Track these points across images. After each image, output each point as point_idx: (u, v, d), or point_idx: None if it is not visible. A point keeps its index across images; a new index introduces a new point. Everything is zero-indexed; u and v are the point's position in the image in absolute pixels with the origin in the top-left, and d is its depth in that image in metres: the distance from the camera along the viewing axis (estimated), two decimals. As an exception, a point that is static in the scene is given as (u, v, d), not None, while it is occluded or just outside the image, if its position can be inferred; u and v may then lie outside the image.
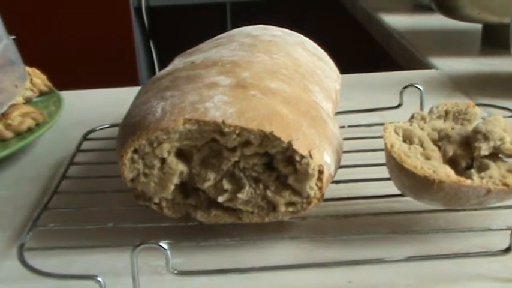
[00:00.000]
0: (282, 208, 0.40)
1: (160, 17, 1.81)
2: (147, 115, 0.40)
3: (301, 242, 0.42)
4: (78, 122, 0.65)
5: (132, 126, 0.40)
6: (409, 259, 0.38)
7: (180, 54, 0.57)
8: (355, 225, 0.44)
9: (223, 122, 0.38)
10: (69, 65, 1.56)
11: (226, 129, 0.38)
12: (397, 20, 1.11)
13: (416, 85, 0.61)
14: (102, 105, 0.71)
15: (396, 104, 0.62)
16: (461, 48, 0.92)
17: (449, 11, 0.90)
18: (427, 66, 0.85)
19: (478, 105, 0.64)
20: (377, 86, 0.73)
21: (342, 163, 0.49)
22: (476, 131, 0.41)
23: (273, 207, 0.41)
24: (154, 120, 0.39)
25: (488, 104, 0.64)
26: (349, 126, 0.59)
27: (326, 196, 0.44)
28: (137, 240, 0.37)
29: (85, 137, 0.58)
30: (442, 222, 0.44)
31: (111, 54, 1.59)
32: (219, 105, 0.39)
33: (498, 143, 0.40)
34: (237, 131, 0.38)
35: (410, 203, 0.43)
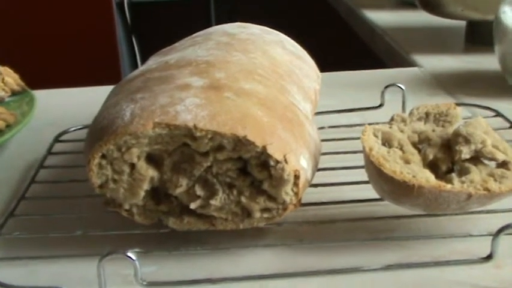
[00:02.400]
0: (257, 214, 0.39)
1: (142, 12, 1.78)
2: (116, 119, 0.38)
3: (277, 250, 0.41)
4: (52, 123, 0.63)
5: (99, 130, 0.39)
6: (388, 268, 0.37)
7: (156, 53, 0.56)
8: (333, 231, 0.42)
9: (194, 126, 0.37)
10: (46, 62, 1.52)
11: (198, 134, 0.37)
12: (381, 16, 1.10)
13: (398, 85, 0.59)
14: (78, 105, 0.69)
15: (378, 103, 0.61)
16: (445, 45, 0.91)
17: (433, 8, 0.89)
18: (410, 63, 0.84)
19: (461, 104, 0.64)
20: (359, 84, 0.72)
21: (321, 165, 0.48)
22: (457, 134, 0.40)
23: (247, 213, 0.39)
24: (123, 124, 0.37)
25: (471, 103, 0.63)
26: (330, 127, 0.58)
27: (304, 200, 0.43)
28: (107, 249, 0.36)
29: (57, 139, 0.57)
30: (423, 227, 0.43)
31: (92, 51, 1.56)
32: (191, 108, 0.38)
33: (479, 146, 0.39)
34: (209, 135, 0.37)
35: (390, 206, 0.42)
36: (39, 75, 1.02)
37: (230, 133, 0.37)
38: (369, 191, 0.43)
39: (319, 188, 0.46)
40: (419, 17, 1.04)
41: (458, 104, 0.63)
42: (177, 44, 0.55)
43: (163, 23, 1.77)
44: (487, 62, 0.79)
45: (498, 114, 0.57)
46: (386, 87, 0.60)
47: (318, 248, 0.41)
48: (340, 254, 0.40)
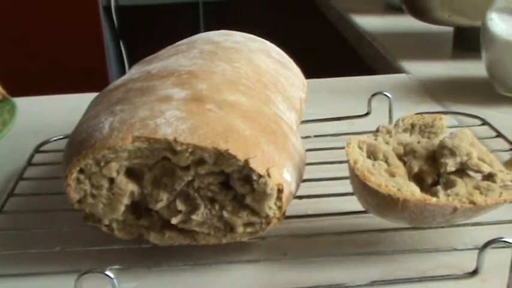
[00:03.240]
0: (240, 229, 0.38)
1: (130, 16, 1.77)
2: (94, 132, 0.37)
3: (261, 265, 0.40)
4: (34, 132, 0.62)
5: (78, 144, 0.38)
6: (373, 283, 0.36)
7: (139, 61, 0.55)
8: (318, 244, 0.41)
9: (174, 140, 0.36)
10: (30, 68, 1.49)
11: (178, 148, 0.36)
12: (369, 22, 1.09)
13: (385, 93, 0.59)
14: (61, 113, 0.68)
15: (365, 111, 0.61)
16: (433, 51, 0.90)
17: (420, 14, 0.88)
18: (397, 69, 0.83)
19: (448, 113, 0.63)
20: (346, 91, 0.71)
21: (307, 176, 0.47)
22: (442, 146, 0.39)
23: (230, 228, 0.38)
24: (101, 137, 0.37)
25: (458, 112, 0.62)
26: (316, 136, 0.57)
27: (288, 213, 0.42)
28: (86, 265, 0.35)
29: (37, 149, 0.55)
30: (408, 240, 0.42)
31: (78, 56, 1.54)
32: (171, 121, 0.37)
33: (465, 158, 0.39)
34: (189, 149, 0.36)
35: (375, 219, 0.41)
36: (22, 81, 1.00)
37: (211, 147, 0.36)
38: (355, 203, 0.42)
39: (304, 200, 0.45)
40: (407, 23, 1.04)
41: (445, 113, 0.63)
42: (160, 52, 0.54)
43: (152, 28, 1.75)
44: (475, 68, 0.79)
45: (485, 122, 0.57)
46: (373, 95, 0.59)
47: (302, 263, 0.40)
48: (325, 269, 0.39)
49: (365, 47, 1.04)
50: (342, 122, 0.61)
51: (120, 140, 0.36)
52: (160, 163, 0.37)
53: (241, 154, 0.36)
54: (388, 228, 0.41)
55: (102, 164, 0.37)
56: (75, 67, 1.54)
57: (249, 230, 0.38)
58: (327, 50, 1.42)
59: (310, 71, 0.74)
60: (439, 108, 0.66)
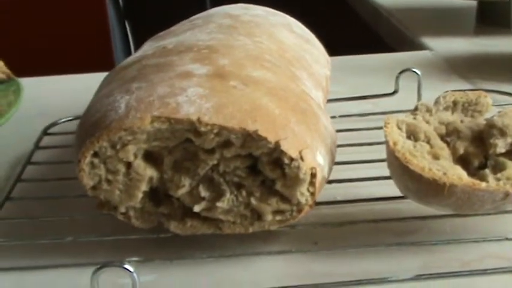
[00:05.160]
0: (269, 217, 0.35)
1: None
2: (109, 112, 0.34)
3: (291, 256, 0.37)
4: (41, 114, 0.58)
5: (91, 125, 0.34)
6: (418, 277, 0.33)
7: (152, 37, 0.51)
8: (351, 233, 0.38)
9: (198, 120, 0.32)
10: (35, 49, 1.45)
11: (203, 128, 0.32)
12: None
13: (414, 69, 0.55)
14: (68, 94, 0.64)
15: (391, 90, 0.57)
16: (455, 27, 0.86)
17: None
18: (418, 47, 0.79)
19: (480, 90, 0.60)
20: (368, 69, 0.68)
21: (336, 159, 0.44)
22: (491, 126, 0.36)
23: (258, 216, 0.35)
24: (117, 118, 0.33)
25: (490, 89, 0.58)
26: (340, 116, 0.53)
27: (318, 199, 0.39)
28: (101, 257, 0.32)
29: (45, 132, 0.52)
30: (449, 228, 0.39)
31: (82, 37, 1.50)
32: (194, 99, 0.33)
33: (516, 139, 0.35)
34: (215, 130, 0.33)
35: (412, 204, 0.38)
36: (27, 62, 0.97)
37: (239, 127, 0.32)
38: (388, 187, 0.39)
39: (333, 185, 0.42)
40: (425, -3, 1.00)
41: (476, 90, 0.60)
42: (174, 28, 0.51)
43: (157, 7, 1.71)
44: (501, 44, 0.75)
45: (521, 100, 0.53)
46: (401, 72, 0.56)
47: (335, 254, 0.37)
48: (361, 260, 0.36)
49: (382, 24, 1.00)
50: (366, 101, 0.57)
51: (139, 121, 0.32)
52: (181, 146, 0.34)
53: (271, 135, 0.33)
54: (428, 215, 0.38)
55: (118, 146, 0.33)
56: (80, 48, 1.50)
57: (278, 218, 0.35)
58: (341, 30, 1.38)
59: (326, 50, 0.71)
60: (468, 86, 0.63)
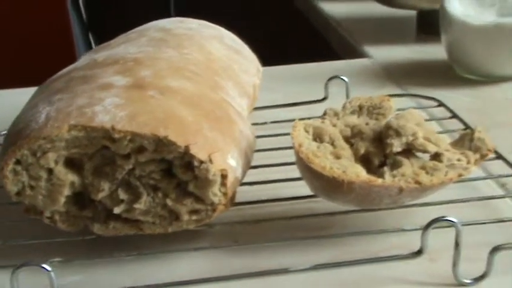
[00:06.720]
0: (185, 217, 0.38)
1: (99, 7, 1.74)
2: (31, 122, 0.36)
3: (210, 253, 0.39)
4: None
5: (14, 134, 0.37)
6: (316, 267, 0.36)
7: (91, 49, 0.54)
8: (268, 230, 0.41)
9: (112, 127, 0.35)
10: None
11: (116, 135, 0.35)
12: (334, 8, 1.09)
13: (342, 77, 0.58)
14: (5, 108, 0.66)
15: (322, 96, 0.60)
16: (398, 36, 0.90)
17: (383, -3, 0.88)
18: (360, 55, 0.83)
19: (406, 95, 0.63)
20: (305, 77, 0.71)
21: (261, 162, 0.47)
22: (388, 127, 0.39)
23: (175, 216, 0.38)
24: (37, 127, 0.36)
25: (415, 94, 0.62)
26: (272, 122, 0.56)
27: (240, 199, 0.42)
28: (27, 259, 0.34)
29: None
30: (361, 223, 0.42)
31: (46, 49, 1.51)
32: (109, 109, 0.36)
33: (410, 138, 0.38)
34: (128, 137, 0.35)
35: (329, 203, 0.41)
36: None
37: (150, 134, 0.35)
38: (307, 188, 0.42)
39: (257, 186, 0.45)
40: (373, 9, 1.03)
41: (402, 95, 0.63)
42: (112, 41, 0.53)
43: (121, 19, 1.72)
44: (436, 51, 0.78)
45: (441, 104, 0.57)
46: (330, 79, 0.59)
47: (252, 249, 0.39)
48: (275, 254, 0.39)
49: (330, 32, 1.04)
50: (300, 108, 0.60)
51: (56, 129, 0.35)
52: (100, 152, 0.36)
53: (181, 140, 0.35)
54: (338, 211, 0.41)
55: (38, 154, 0.36)
56: (44, 60, 1.50)
57: (194, 217, 0.38)
58: (296, 37, 1.42)
59: (278, 58, 0.74)
60: (398, 92, 0.66)
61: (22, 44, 1.49)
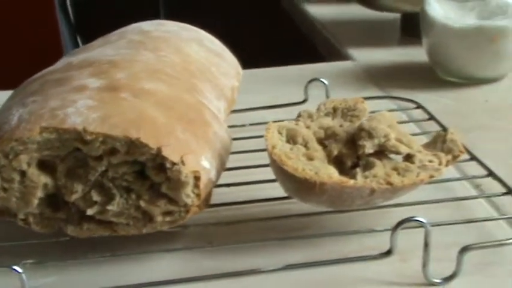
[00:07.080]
0: (159, 218, 0.38)
1: (87, 10, 1.74)
2: (4, 124, 0.36)
3: (185, 253, 0.40)
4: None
5: (-13, 136, 0.37)
6: (287, 267, 0.36)
7: (70, 52, 0.54)
8: (243, 231, 0.41)
9: (84, 129, 0.35)
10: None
11: (88, 137, 0.35)
12: (320, 10, 1.09)
13: (321, 79, 0.59)
14: None
15: (302, 99, 0.61)
16: (381, 39, 0.90)
17: (367, 1, 0.89)
18: (344, 57, 0.83)
19: (385, 97, 0.64)
20: (287, 80, 0.71)
21: (238, 164, 0.47)
22: (360, 129, 0.39)
23: (149, 217, 0.38)
24: (9, 129, 0.36)
25: (394, 96, 0.63)
26: (251, 124, 0.56)
27: (216, 201, 0.42)
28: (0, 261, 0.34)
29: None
30: (335, 224, 0.42)
31: (35, 52, 1.50)
32: (82, 111, 0.36)
33: (382, 140, 0.39)
34: (100, 139, 0.35)
35: (305, 204, 0.41)
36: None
37: (122, 135, 0.35)
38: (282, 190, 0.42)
39: (234, 188, 0.45)
40: (358, 12, 1.04)
41: (381, 97, 0.63)
42: (90, 44, 0.53)
43: (109, 22, 1.72)
44: (419, 54, 0.79)
45: (419, 106, 0.57)
46: (310, 81, 0.59)
47: (226, 250, 0.40)
48: (248, 255, 0.39)
49: (316, 34, 1.04)
50: (280, 110, 0.60)
51: (28, 131, 0.35)
52: (72, 154, 0.37)
53: (153, 142, 0.35)
54: (312, 212, 0.41)
55: (11, 156, 0.36)
56: (32, 63, 1.50)
57: (168, 219, 0.38)
58: (284, 40, 1.42)
59: (263, 59, 0.74)
60: (379, 94, 0.67)
61: (10, 46, 1.49)
